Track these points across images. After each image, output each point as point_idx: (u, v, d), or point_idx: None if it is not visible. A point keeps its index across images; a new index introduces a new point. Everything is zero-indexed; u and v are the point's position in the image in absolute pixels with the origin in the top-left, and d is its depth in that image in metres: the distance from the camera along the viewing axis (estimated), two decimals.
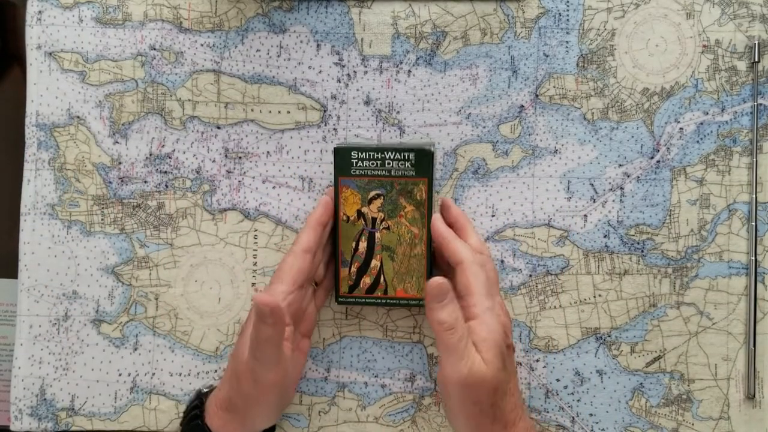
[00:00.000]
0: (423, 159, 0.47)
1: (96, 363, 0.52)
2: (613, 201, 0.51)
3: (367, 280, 0.48)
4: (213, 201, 0.52)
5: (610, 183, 0.51)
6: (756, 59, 0.50)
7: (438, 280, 0.42)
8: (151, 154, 0.52)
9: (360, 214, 0.48)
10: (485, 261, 0.46)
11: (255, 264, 0.52)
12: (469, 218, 0.51)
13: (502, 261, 0.51)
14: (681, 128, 0.51)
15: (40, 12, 0.52)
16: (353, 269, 0.48)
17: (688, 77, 0.51)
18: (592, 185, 0.51)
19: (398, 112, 0.52)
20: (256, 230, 0.52)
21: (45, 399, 0.51)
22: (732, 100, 0.51)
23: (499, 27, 0.51)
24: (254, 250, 0.52)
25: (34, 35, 0.52)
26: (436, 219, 0.47)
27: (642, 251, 0.51)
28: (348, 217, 0.48)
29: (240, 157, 0.52)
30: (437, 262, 0.49)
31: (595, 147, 0.51)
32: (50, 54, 0.52)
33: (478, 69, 0.51)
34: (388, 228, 0.48)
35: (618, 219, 0.51)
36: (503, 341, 0.43)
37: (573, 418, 0.51)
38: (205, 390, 0.50)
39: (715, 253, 0.51)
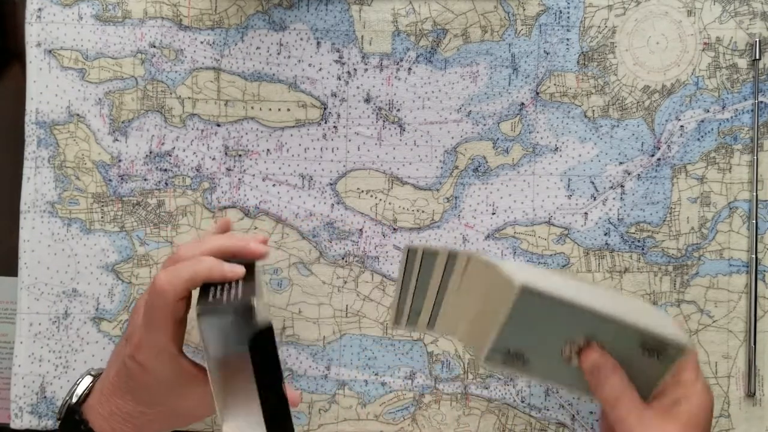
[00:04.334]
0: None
1: (96, 361, 0.51)
2: (614, 199, 0.51)
3: None
4: (213, 199, 0.52)
5: (610, 181, 0.51)
6: (757, 57, 0.50)
7: None
8: (150, 152, 0.52)
9: None
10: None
11: None
12: None
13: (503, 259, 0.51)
14: (682, 126, 0.51)
15: (39, 9, 0.51)
16: None
17: (688, 75, 0.51)
18: (593, 183, 0.51)
19: (398, 110, 0.51)
20: (256, 228, 0.52)
21: (45, 397, 0.51)
22: (733, 98, 0.51)
23: (500, 24, 0.51)
24: None
25: (33, 33, 0.52)
26: None
27: (642, 249, 0.51)
28: None
29: (240, 155, 0.52)
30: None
31: (595, 145, 0.51)
32: (50, 51, 0.52)
33: (478, 66, 0.51)
34: None
35: (618, 217, 0.51)
36: None
37: (573, 416, 0.51)
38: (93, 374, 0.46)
39: (715, 251, 0.51)
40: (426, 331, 0.49)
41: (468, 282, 0.42)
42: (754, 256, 0.50)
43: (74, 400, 0.44)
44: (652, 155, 0.51)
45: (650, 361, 0.40)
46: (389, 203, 0.52)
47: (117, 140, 0.52)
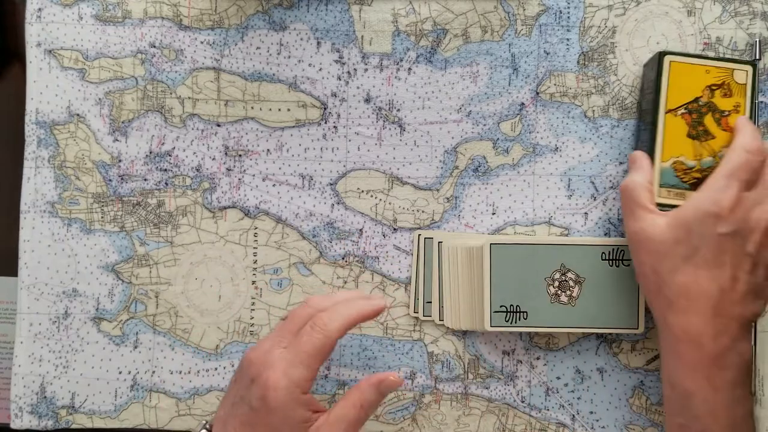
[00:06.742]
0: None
1: (96, 361, 0.52)
2: (614, 199, 0.51)
3: None
4: (213, 199, 0.52)
5: (610, 181, 0.51)
6: (757, 57, 0.50)
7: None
8: (151, 152, 0.52)
9: None
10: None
11: (255, 262, 0.52)
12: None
13: None
14: None
15: (39, 9, 0.51)
16: None
17: None
18: (593, 183, 0.51)
19: (398, 110, 0.51)
20: (256, 228, 0.52)
21: (45, 397, 0.51)
22: None
23: (500, 24, 0.51)
24: (254, 248, 0.52)
25: (33, 33, 0.52)
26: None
27: None
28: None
29: (240, 155, 0.52)
30: None
31: (595, 145, 0.51)
32: (50, 51, 0.52)
33: (478, 66, 0.51)
34: None
35: (619, 217, 0.51)
36: (700, 215, 0.42)
37: (573, 415, 0.51)
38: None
39: None
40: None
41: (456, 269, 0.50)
42: None
43: None
44: None
45: (613, 269, 0.49)
46: (389, 203, 0.52)
47: (117, 140, 0.52)
